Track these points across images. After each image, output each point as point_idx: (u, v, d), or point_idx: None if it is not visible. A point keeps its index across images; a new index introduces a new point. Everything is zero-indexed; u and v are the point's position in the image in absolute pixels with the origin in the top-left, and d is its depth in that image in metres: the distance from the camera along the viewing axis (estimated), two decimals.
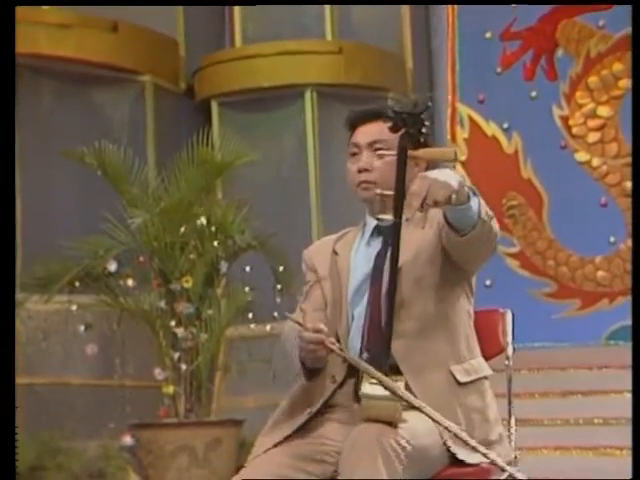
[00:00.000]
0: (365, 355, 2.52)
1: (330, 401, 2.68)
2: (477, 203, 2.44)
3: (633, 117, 4.34)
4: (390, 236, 2.45)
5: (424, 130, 2.35)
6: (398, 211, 2.36)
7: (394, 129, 2.37)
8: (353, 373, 2.57)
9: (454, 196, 2.32)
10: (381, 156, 2.67)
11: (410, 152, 2.36)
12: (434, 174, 2.34)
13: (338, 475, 2.52)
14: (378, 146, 2.68)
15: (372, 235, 2.75)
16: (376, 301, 2.62)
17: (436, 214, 2.62)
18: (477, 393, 2.66)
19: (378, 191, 2.57)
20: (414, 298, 2.52)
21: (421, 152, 2.38)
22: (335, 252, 2.78)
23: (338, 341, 2.58)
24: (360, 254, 2.74)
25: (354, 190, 2.75)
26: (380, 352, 2.46)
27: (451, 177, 2.34)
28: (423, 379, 2.47)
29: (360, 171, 2.69)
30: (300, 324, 2.50)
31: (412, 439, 2.41)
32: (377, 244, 2.71)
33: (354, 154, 2.73)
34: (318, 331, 2.49)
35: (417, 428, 2.46)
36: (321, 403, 2.64)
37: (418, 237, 2.64)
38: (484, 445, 2.61)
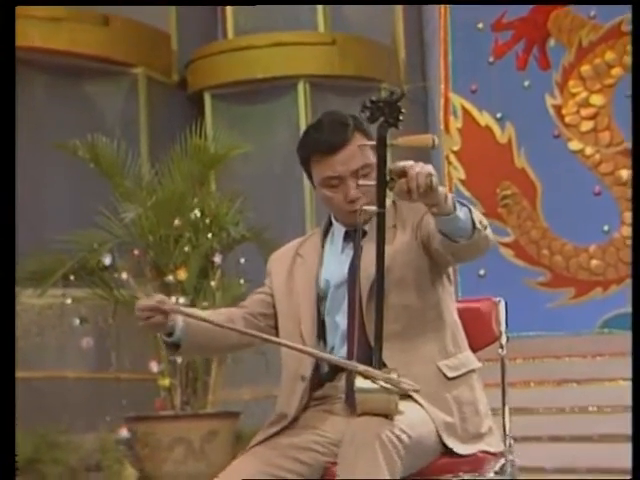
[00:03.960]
0: (354, 361, 2.52)
1: (319, 393, 2.70)
2: (466, 213, 2.45)
3: (633, 111, 4.35)
4: (375, 227, 2.43)
5: (401, 118, 2.35)
6: (381, 201, 2.36)
7: (371, 119, 2.36)
8: (339, 367, 2.59)
9: (434, 179, 2.32)
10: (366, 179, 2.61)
11: (389, 141, 2.37)
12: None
13: (332, 466, 2.55)
14: (365, 172, 2.62)
15: (344, 241, 2.73)
16: (355, 306, 2.61)
17: (409, 217, 2.63)
18: (467, 386, 2.67)
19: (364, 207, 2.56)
20: (395, 300, 2.52)
21: (400, 140, 2.38)
22: (299, 254, 2.77)
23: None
24: (332, 261, 2.73)
25: (342, 216, 2.70)
26: (370, 349, 2.47)
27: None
28: (412, 376, 2.49)
29: (352, 201, 2.65)
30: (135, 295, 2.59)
31: (409, 430, 2.42)
32: (349, 250, 2.71)
33: (334, 185, 2.65)
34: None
35: (412, 418, 2.47)
36: (295, 408, 2.65)
37: (392, 239, 2.63)
38: (476, 437, 2.63)
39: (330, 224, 2.80)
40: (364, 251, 2.63)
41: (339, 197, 2.66)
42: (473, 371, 2.72)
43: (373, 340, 2.42)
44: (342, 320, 2.68)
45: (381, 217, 2.37)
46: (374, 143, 2.36)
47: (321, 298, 2.71)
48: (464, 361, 2.70)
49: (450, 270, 2.75)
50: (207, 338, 2.70)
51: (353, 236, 2.69)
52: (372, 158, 2.59)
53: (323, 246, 2.77)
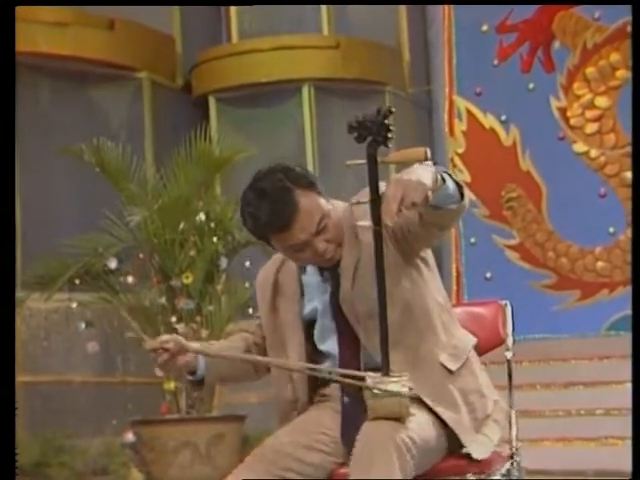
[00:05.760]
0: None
1: (323, 391, 2.71)
2: (448, 178, 2.42)
3: (633, 111, 4.34)
4: (373, 243, 2.40)
5: (390, 135, 2.30)
6: (376, 219, 2.33)
7: (359, 139, 2.32)
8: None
9: (430, 193, 2.29)
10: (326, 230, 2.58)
11: (380, 158, 2.33)
12: (407, 175, 2.30)
13: (338, 467, 2.56)
14: (324, 223, 2.56)
15: (321, 269, 2.68)
16: (347, 335, 2.61)
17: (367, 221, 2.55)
18: (469, 373, 2.67)
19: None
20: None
21: (391, 156, 2.36)
22: (278, 283, 2.72)
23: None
24: (315, 288, 2.69)
25: (315, 264, 2.66)
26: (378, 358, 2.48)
27: (424, 174, 2.31)
28: (417, 377, 2.49)
29: (322, 255, 2.59)
30: (141, 337, 2.63)
31: (419, 432, 2.45)
32: (328, 275, 2.67)
33: (299, 249, 2.57)
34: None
35: (421, 420, 2.49)
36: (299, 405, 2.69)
37: (361, 248, 2.59)
38: (484, 419, 2.64)
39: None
40: (342, 278, 2.62)
41: (308, 255, 2.60)
42: (470, 352, 2.71)
43: (380, 349, 2.41)
44: (330, 347, 2.67)
45: (377, 234, 2.36)
46: (364, 162, 2.32)
47: (309, 327, 2.70)
48: (461, 346, 2.69)
49: (427, 253, 2.70)
50: (228, 370, 2.77)
51: (327, 268, 2.66)
52: (324, 205, 2.57)
53: (301, 273, 2.72)
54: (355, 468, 2.40)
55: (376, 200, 2.32)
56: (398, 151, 2.36)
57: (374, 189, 2.33)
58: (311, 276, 2.71)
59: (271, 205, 2.53)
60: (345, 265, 2.62)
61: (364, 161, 2.33)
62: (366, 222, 2.38)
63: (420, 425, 2.46)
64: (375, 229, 2.35)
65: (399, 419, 2.40)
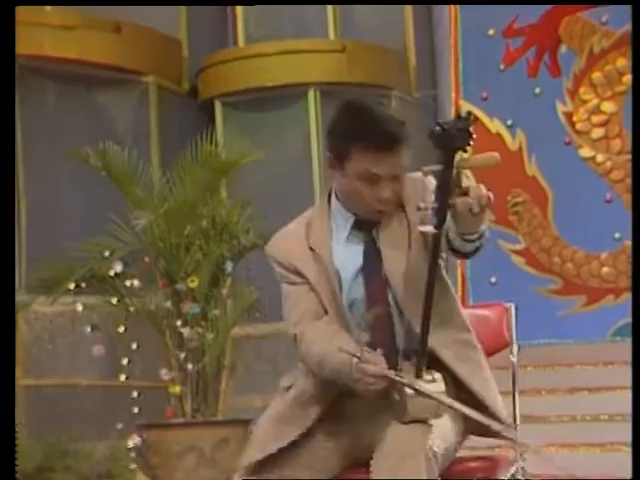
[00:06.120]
0: (380, 351, 2.49)
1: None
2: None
3: (633, 116, 4.34)
4: (431, 247, 2.41)
5: (471, 142, 2.31)
6: (440, 222, 2.33)
7: (441, 146, 2.30)
8: None
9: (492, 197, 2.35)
10: (397, 181, 2.58)
11: (456, 162, 2.32)
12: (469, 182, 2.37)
13: (343, 471, 2.56)
14: (401, 173, 2.58)
15: (352, 229, 2.65)
16: (377, 298, 2.59)
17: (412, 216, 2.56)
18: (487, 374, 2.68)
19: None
20: (418, 304, 2.46)
21: (466, 161, 2.36)
22: (311, 249, 2.67)
23: None
24: (342, 250, 2.65)
25: (366, 212, 2.61)
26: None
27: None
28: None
29: (383, 202, 2.58)
30: (358, 357, 2.44)
31: (445, 441, 2.49)
32: (359, 239, 2.65)
33: (371, 182, 2.56)
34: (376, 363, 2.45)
35: (446, 427, 2.52)
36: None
37: (410, 228, 2.59)
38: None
39: (329, 206, 2.72)
40: (382, 240, 2.60)
41: (371, 194, 2.57)
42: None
43: (419, 345, 2.41)
44: (357, 310, 2.62)
45: (437, 238, 2.35)
46: (440, 167, 2.31)
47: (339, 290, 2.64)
48: (475, 342, 2.69)
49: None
50: None
51: (361, 225, 2.64)
52: (407, 160, 2.58)
53: (331, 239, 2.67)
54: (380, 469, 2.40)
55: (445, 204, 2.31)
56: (470, 156, 2.39)
57: (445, 196, 2.30)
58: (339, 235, 2.65)
59: (386, 121, 2.56)
60: (392, 238, 2.59)
61: (440, 167, 2.31)
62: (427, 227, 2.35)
63: (452, 429, 2.51)
64: (435, 234, 2.34)
65: (426, 420, 2.42)
